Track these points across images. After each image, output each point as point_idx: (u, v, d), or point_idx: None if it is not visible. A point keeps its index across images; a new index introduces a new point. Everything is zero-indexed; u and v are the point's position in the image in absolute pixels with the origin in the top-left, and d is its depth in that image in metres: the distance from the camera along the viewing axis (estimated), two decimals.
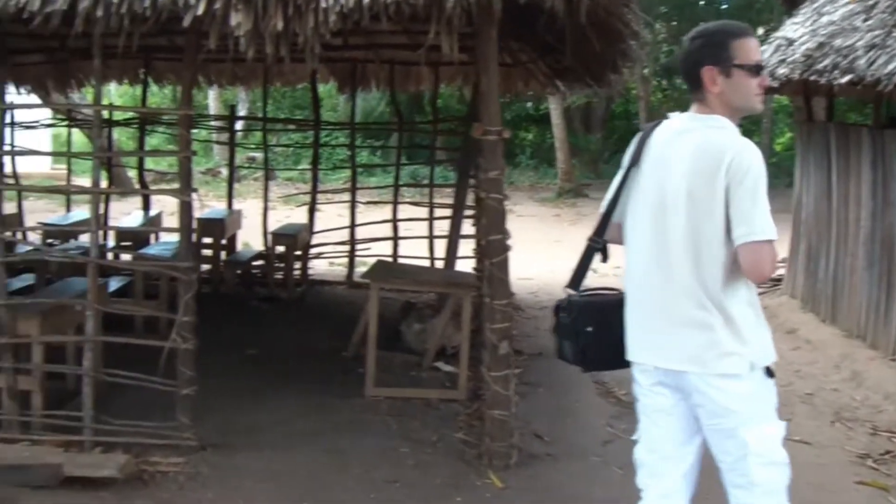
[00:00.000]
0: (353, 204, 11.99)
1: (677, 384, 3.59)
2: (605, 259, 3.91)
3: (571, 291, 3.90)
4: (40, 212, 14.98)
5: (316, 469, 5.86)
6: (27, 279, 9.02)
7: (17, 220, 11.09)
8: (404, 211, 12.16)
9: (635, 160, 3.73)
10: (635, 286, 3.71)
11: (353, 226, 11.95)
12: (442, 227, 10.71)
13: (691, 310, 3.49)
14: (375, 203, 12.89)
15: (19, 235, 10.63)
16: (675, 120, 3.71)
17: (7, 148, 9.67)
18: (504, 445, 5.93)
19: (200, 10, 4.92)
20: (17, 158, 10.94)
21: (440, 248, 10.69)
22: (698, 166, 3.46)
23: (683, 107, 3.74)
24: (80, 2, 4.98)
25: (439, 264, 10.85)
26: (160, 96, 23.60)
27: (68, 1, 4.99)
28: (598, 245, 3.86)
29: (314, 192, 12.01)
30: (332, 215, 13.17)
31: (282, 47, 4.99)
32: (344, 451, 6.13)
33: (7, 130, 11.49)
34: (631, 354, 3.74)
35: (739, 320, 3.47)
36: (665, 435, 3.72)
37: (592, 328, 3.83)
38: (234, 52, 5.06)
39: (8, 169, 11.37)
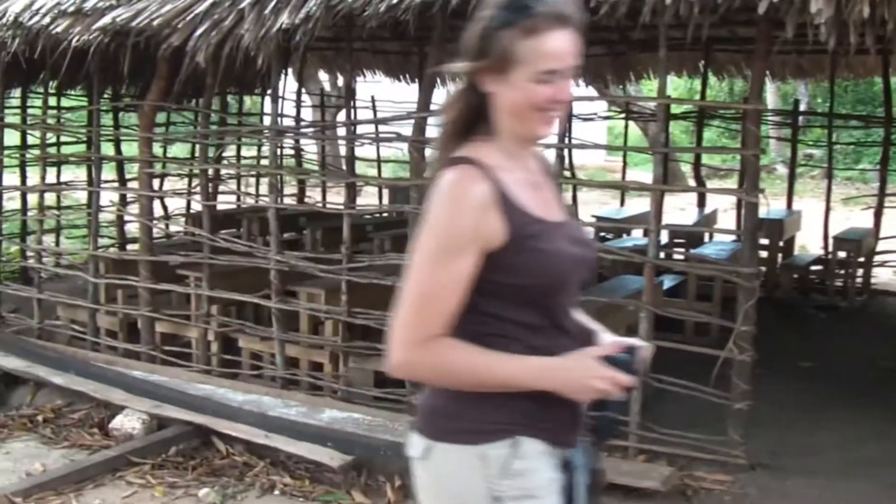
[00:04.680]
0: None
1: None
2: None
3: None
4: (593, 203, 15.32)
5: None
6: None
7: (571, 211, 11.36)
8: None
9: None
10: None
11: None
12: None
13: None
14: None
15: None
16: None
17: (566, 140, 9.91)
18: None
19: None
20: (574, 150, 11.16)
21: None
22: None
23: None
24: None
25: None
26: (715, 89, 23.36)
27: None
28: None
29: (882, 193, 11.08)
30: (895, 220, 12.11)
31: (867, 36, 4.44)
32: None
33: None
34: None
35: None
36: None
37: None
38: (812, 43, 4.60)
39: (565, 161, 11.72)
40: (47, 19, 6.92)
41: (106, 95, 9.23)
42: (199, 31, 6.21)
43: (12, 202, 10.47)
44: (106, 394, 6.64)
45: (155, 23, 6.40)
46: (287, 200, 12.69)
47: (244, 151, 13.42)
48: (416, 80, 11.23)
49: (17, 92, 9.67)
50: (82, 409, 6.65)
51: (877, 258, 11.14)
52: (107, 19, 6.64)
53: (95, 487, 5.47)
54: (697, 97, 13.09)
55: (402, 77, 12.58)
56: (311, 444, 5.69)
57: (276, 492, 5.44)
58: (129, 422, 6.16)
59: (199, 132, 7.57)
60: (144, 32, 6.49)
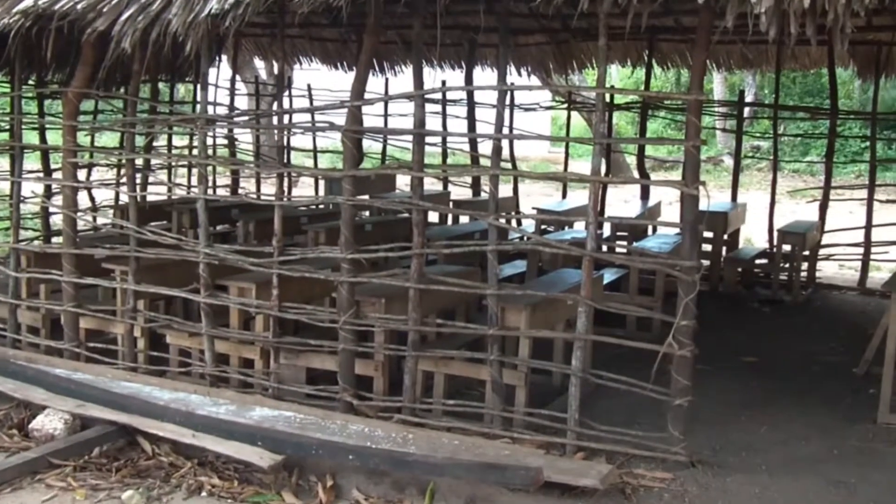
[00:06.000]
0: (869, 202, 10.88)
1: None
2: None
3: None
4: (535, 195, 15.23)
5: (816, 502, 5.17)
6: (519, 266, 9.00)
7: (512, 203, 11.23)
8: None
9: None
10: None
11: (868, 226, 10.84)
12: None
13: None
14: (894, 202, 11.63)
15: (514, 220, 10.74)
16: None
17: (505, 131, 9.81)
18: None
19: None
20: (516, 141, 11.02)
21: None
22: None
23: None
24: None
25: None
26: (662, 80, 23.37)
27: None
28: None
29: (827, 186, 11.05)
30: (841, 212, 12.10)
31: (808, 27, 4.35)
32: (850, 486, 5.38)
33: (506, 112, 11.75)
34: None
35: None
36: None
37: None
38: (752, 33, 4.52)
39: (505, 152, 11.58)
40: None
41: (30, 82, 8.92)
42: (125, 16, 5.97)
43: None
44: (26, 393, 6.40)
45: (79, 6, 6.17)
46: (220, 191, 12.42)
47: (178, 141, 13.12)
48: (354, 67, 11.05)
49: None
50: (1, 410, 6.41)
51: (821, 252, 11.13)
52: (28, 2, 6.40)
53: (13, 491, 5.25)
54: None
55: (339, 65, 12.40)
56: (241, 444, 5.52)
57: (204, 493, 5.27)
58: (50, 422, 5.94)
59: (126, 120, 7.32)
60: (68, 16, 6.24)
